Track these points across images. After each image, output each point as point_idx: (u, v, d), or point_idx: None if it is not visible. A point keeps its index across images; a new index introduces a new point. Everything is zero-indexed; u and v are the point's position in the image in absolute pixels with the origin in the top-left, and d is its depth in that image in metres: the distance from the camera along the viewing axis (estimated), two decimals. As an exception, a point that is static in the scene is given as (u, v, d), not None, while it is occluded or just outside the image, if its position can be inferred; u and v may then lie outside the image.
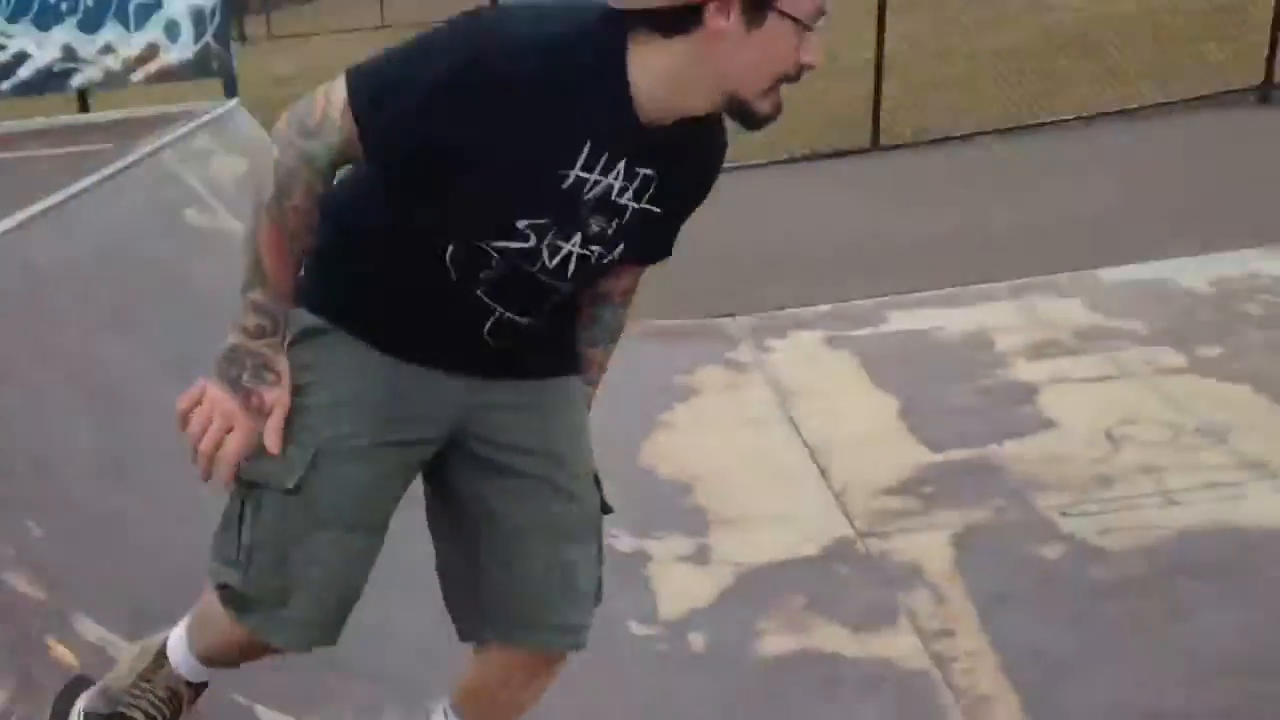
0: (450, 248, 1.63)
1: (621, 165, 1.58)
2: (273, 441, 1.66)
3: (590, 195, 1.59)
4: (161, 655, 1.89)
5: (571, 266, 1.65)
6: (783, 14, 1.49)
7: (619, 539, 3.49)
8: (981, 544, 3.35)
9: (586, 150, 1.55)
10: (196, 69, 5.99)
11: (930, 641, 2.89)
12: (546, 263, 1.63)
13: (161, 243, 4.10)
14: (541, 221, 1.59)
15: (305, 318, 1.70)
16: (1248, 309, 4.97)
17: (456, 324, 1.69)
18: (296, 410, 1.67)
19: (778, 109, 1.57)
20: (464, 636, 1.89)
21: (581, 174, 1.56)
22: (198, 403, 1.65)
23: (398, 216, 1.64)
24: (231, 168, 5.10)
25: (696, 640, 3.00)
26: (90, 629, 2.22)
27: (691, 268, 6.84)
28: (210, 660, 1.87)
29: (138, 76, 5.95)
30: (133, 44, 5.85)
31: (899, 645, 2.90)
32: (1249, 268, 5.40)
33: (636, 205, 1.63)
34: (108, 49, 5.84)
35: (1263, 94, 9.25)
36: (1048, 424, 4.09)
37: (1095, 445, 3.86)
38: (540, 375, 1.80)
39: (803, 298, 5.71)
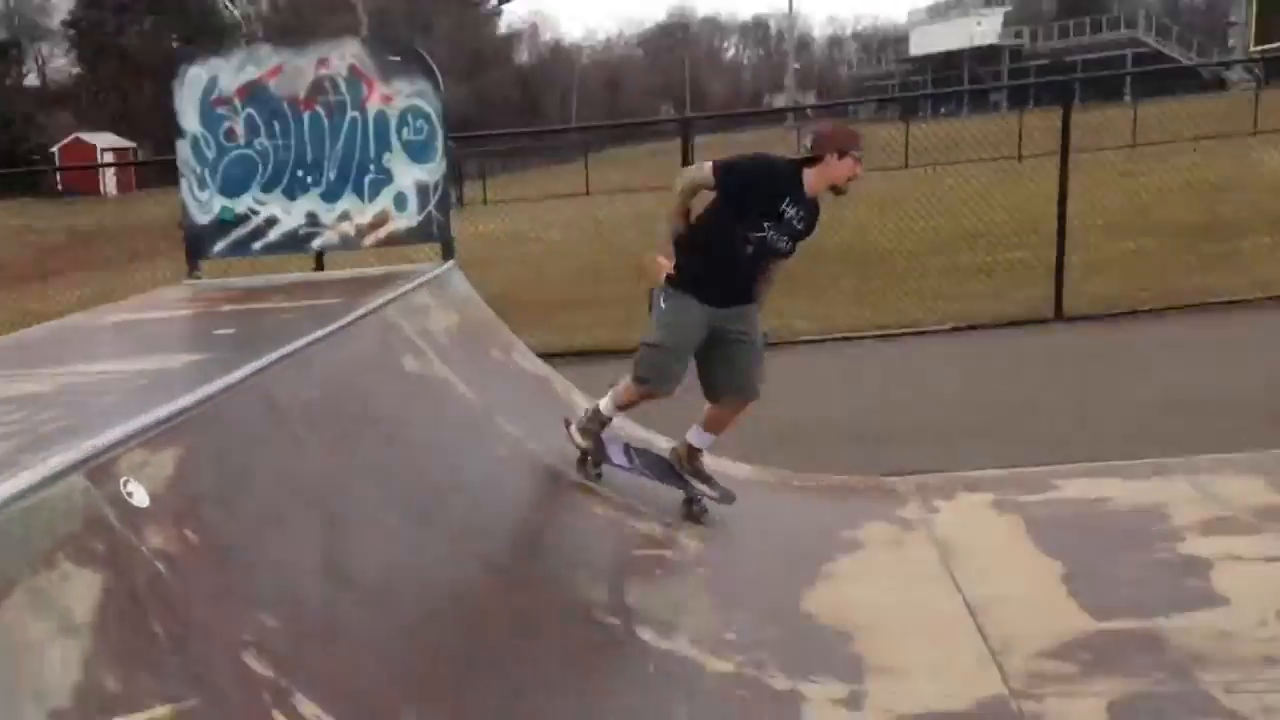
0: (739, 235, 4.68)
1: (797, 209, 4.69)
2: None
3: (788, 219, 4.69)
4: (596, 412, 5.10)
5: (779, 247, 4.76)
6: (843, 155, 4.63)
7: (775, 679, 3.67)
8: (1139, 714, 3.37)
9: (787, 202, 4.66)
10: (420, 234, 6.72)
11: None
12: (774, 245, 4.73)
13: (383, 385, 4.63)
14: (771, 224, 4.70)
15: (671, 289, 4.81)
16: None
17: (733, 280, 4.80)
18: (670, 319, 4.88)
19: (842, 192, 4.73)
20: (710, 399, 4.95)
21: (787, 210, 4.66)
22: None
23: (724, 220, 4.72)
24: (445, 321, 5.69)
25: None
26: (309, 709, 2.58)
27: (868, 428, 7.04)
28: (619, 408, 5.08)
29: (368, 240, 6.72)
30: (366, 213, 6.64)
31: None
32: None
33: (799, 225, 4.74)
34: (345, 216, 6.66)
35: None
36: (1217, 600, 4.07)
37: (1266, 625, 3.83)
38: (748, 302, 4.89)
39: (972, 462, 5.82)
